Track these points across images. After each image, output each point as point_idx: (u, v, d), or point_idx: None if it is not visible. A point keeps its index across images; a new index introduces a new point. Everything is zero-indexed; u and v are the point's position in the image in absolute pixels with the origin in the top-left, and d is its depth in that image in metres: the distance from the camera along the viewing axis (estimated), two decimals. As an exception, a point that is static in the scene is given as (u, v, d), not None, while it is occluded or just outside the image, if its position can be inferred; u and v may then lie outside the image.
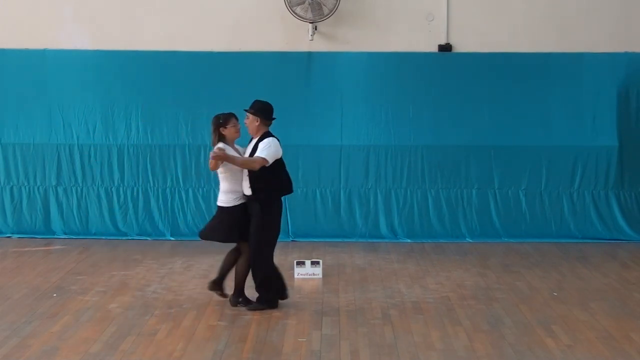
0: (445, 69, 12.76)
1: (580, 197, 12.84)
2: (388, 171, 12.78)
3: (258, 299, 8.92)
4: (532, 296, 9.51)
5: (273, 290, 8.96)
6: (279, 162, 8.95)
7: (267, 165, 8.76)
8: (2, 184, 12.85)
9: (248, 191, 8.89)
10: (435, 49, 12.83)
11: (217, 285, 9.18)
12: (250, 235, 8.85)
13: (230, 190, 8.96)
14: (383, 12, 12.81)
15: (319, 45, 12.76)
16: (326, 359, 7.33)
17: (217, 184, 12.63)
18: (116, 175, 12.81)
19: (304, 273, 10.26)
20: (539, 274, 10.62)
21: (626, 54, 12.74)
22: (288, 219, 12.78)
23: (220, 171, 8.94)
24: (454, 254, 11.80)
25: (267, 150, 8.80)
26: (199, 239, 9.52)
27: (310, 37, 12.58)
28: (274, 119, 9.12)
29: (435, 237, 12.68)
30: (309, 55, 12.77)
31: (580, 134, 12.77)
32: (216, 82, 12.68)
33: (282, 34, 12.78)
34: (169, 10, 12.83)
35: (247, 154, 8.99)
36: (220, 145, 8.96)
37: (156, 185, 12.84)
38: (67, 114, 12.76)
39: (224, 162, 8.83)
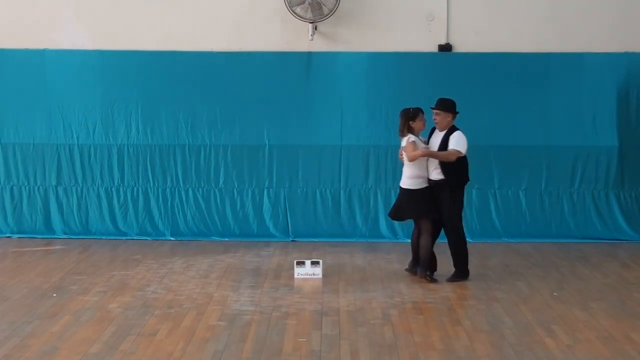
0: (445, 69, 12.76)
1: (580, 197, 12.84)
2: (388, 171, 12.78)
3: (457, 273, 10.20)
4: (532, 296, 9.51)
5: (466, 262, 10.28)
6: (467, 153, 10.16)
7: (461, 156, 10.05)
8: (2, 184, 12.86)
9: (439, 176, 10.08)
10: (435, 49, 12.84)
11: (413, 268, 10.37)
12: (445, 215, 10.18)
13: (417, 175, 10.16)
14: (383, 12, 12.81)
15: (319, 45, 12.77)
16: (326, 359, 7.32)
17: (217, 184, 12.80)
18: (116, 175, 12.81)
19: (304, 273, 10.26)
20: (539, 274, 10.62)
21: (626, 54, 12.74)
22: (288, 219, 12.79)
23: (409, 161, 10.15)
24: (454, 254, 11.79)
25: (461, 143, 10.05)
26: (390, 218, 10.78)
27: (310, 37, 12.58)
28: (457, 112, 10.30)
29: (435, 237, 12.67)
30: (309, 55, 12.77)
31: (580, 134, 12.77)
32: (216, 82, 12.69)
33: (282, 34, 12.79)
34: (169, 10, 12.84)
35: (436, 146, 10.14)
36: (413, 137, 10.14)
37: (156, 185, 12.84)
38: (67, 114, 12.76)
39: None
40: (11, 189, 12.86)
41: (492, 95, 12.73)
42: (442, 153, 10.06)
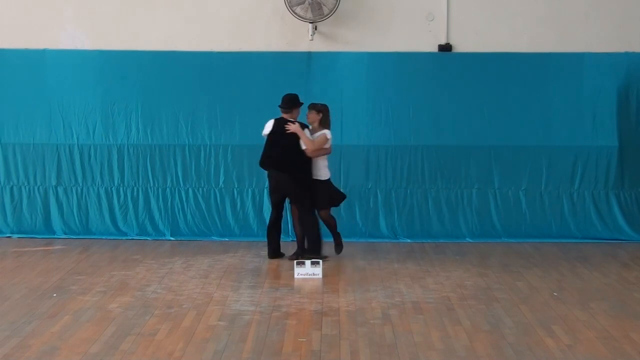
0: (445, 69, 12.76)
1: (580, 197, 12.84)
2: (388, 171, 12.79)
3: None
4: (532, 296, 9.51)
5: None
6: None
7: None
8: (2, 184, 12.86)
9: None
10: (435, 49, 12.84)
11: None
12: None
13: (326, 166, 11.29)
14: (383, 12, 12.81)
15: (319, 45, 12.77)
16: (326, 359, 7.33)
17: (217, 184, 12.79)
18: (116, 175, 12.82)
19: (304, 273, 10.26)
20: (539, 274, 10.62)
21: (626, 54, 12.75)
22: (288, 219, 12.78)
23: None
24: (454, 254, 11.80)
25: None
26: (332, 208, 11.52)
27: (310, 37, 12.59)
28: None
29: (435, 237, 12.68)
30: (309, 55, 12.78)
31: (580, 134, 12.78)
32: (216, 82, 12.69)
33: (282, 34, 12.79)
34: (169, 10, 12.84)
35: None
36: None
37: (156, 185, 12.84)
38: (67, 114, 12.76)
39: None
40: (11, 189, 12.86)
41: (492, 95, 12.74)
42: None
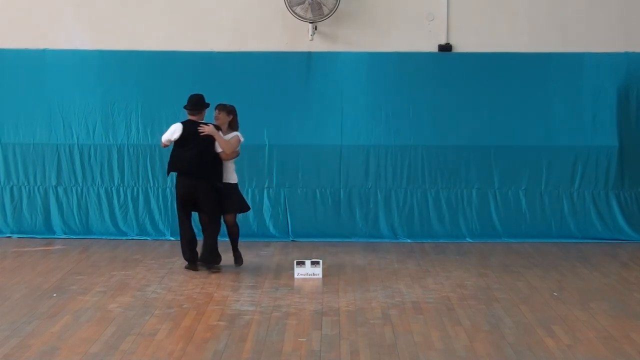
0: (445, 69, 12.76)
1: (580, 197, 12.84)
2: (388, 171, 12.78)
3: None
4: (532, 296, 9.51)
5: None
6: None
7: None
8: (2, 184, 12.86)
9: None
10: (435, 49, 12.84)
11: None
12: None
13: (235, 169, 10.76)
14: (383, 12, 12.81)
15: (319, 45, 12.77)
16: (326, 359, 7.33)
17: (217, 184, 12.78)
18: (116, 175, 12.81)
19: (304, 273, 10.26)
20: (539, 274, 10.62)
21: (626, 54, 12.75)
22: (288, 219, 12.79)
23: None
24: (454, 254, 11.80)
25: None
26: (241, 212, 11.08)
27: (310, 37, 12.59)
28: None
29: (435, 237, 12.68)
30: (309, 55, 12.78)
31: (580, 134, 12.78)
32: (216, 82, 12.67)
33: (282, 34, 12.79)
34: (169, 10, 12.84)
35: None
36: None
37: (156, 185, 12.84)
38: (67, 114, 12.76)
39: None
40: (11, 189, 12.86)
41: (492, 95, 12.74)
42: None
